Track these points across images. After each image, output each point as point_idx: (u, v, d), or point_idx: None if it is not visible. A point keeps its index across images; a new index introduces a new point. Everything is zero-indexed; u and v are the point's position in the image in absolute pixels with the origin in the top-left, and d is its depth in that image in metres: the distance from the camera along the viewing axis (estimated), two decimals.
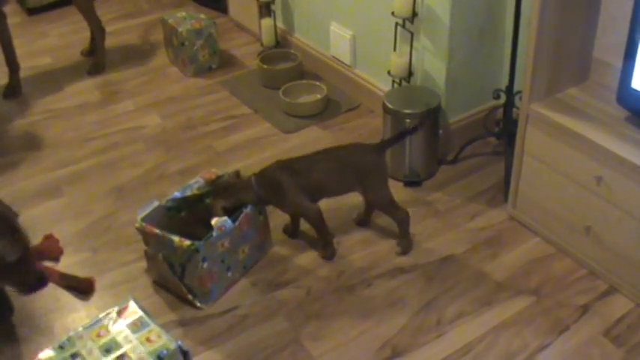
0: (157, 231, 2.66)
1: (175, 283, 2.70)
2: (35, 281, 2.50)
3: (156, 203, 2.80)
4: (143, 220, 2.72)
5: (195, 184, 2.89)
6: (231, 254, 2.73)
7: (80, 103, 3.40)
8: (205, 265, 2.63)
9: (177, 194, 2.86)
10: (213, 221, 2.65)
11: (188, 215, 2.88)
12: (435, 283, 2.76)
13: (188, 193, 2.87)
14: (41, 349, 2.29)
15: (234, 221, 2.70)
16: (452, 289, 2.73)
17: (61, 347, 2.24)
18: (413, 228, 3.00)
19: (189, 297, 2.70)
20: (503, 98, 3.26)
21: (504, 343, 2.50)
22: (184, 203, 2.88)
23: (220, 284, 2.74)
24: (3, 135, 3.87)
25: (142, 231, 2.72)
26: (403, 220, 2.89)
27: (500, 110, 3.32)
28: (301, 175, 2.78)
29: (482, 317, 2.60)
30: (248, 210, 2.76)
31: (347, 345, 2.53)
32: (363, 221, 3.08)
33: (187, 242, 2.59)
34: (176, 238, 2.61)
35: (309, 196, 2.82)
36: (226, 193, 2.75)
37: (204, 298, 2.71)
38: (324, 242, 2.92)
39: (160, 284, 2.64)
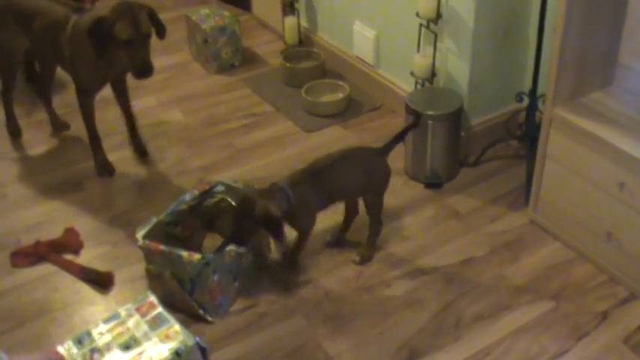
0: (163, 247, 2.62)
1: (185, 300, 2.65)
2: (142, 65, 3.00)
3: (154, 220, 2.75)
4: (145, 237, 2.68)
5: (189, 197, 2.85)
6: (237, 263, 2.71)
7: (102, 97, 3.41)
8: (216, 277, 2.62)
9: (173, 208, 2.81)
10: (229, 249, 2.65)
11: (183, 229, 2.83)
12: (455, 285, 2.75)
13: (183, 206, 2.83)
14: (60, 342, 2.31)
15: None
16: (471, 291, 2.72)
17: (80, 341, 2.24)
18: (433, 230, 3.01)
19: (200, 312, 2.66)
20: (526, 101, 3.24)
21: (523, 347, 2.49)
22: (179, 217, 2.82)
23: (229, 296, 2.73)
24: (25, 129, 3.89)
25: (145, 249, 2.68)
26: (379, 231, 2.92)
27: (523, 113, 3.30)
28: (326, 183, 2.71)
29: (501, 321, 2.60)
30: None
31: (365, 346, 2.53)
32: (339, 240, 3.01)
33: (197, 256, 2.57)
34: (185, 253, 2.58)
35: (324, 203, 2.77)
36: (265, 197, 2.60)
37: (216, 311, 2.68)
38: (292, 263, 2.88)
39: (167, 303, 2.49)
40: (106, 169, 3.51)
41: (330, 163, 2.73)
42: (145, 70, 3.03)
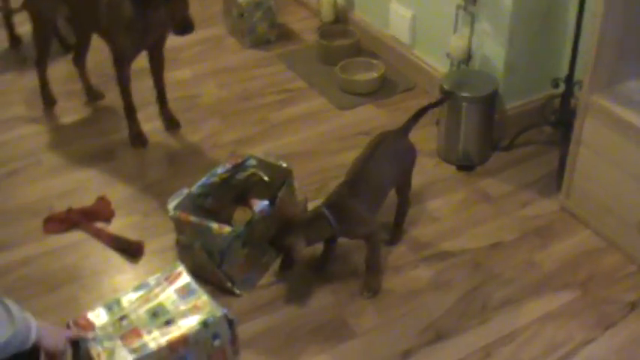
0: (193, 219, 2.63)
1: (213, 272, 2.66)
2: (182, 21, 2.95)
3: (185, 191, 2.76)
4: (176, 208, 2.69)
5: (221, 170, 2.86)
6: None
7: (138, 68, 3.42)
8: (246, 250, 2.63)
9: (204, 180, 2.82)
10: (253, 203, 2.64)
11: (214, 201, 2.83)
12: (483, 268, 2.75)
13: (215, 179, 2.83)
14: (89, 308, 2.34)
15: (272, 204, 2.69)
16: (499, 276, 2.72)
17: (110, 308, 2.27)
18: (464, 213, 3.01)
19: (228, 285, 2.67)
20: (561, 87, 3.22)
21: (549, 334, 2.48)
22: (210, 189, 2.83)
23: (257, 269, 2.74)
24: (59, 97, 3.92)
25: (176, 220, 2.69)
26: (407, 211, 2.93)
27: (558, 99, 3.27)
28: (365, 194, 2.64)
29: (527, 306, 2.59)
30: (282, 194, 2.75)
31: (391, 325, 2.54)
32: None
33: (227, 229, 2.58)
34: (215, 225, 2.58)
35: (376, 205, 2.70)
36: (302, 230, 2.54)
37: (244, 285, 2.70)
38: (375, 273, 2.71)
39: (196, 274, 2.48)
40: (139, 139, 3.53)
41: (363, 167, 2.66)
42: (185, 26, 2.98)
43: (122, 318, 2.23)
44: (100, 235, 3.00)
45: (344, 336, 2.51)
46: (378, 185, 2.70)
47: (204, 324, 2.19)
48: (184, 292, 2.31)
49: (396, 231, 2.91)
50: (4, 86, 4.12)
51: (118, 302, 2.29)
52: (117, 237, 2.97)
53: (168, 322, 2.20)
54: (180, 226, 2.70)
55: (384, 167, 2.70)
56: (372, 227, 2.65)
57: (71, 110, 3.85)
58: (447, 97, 3.03)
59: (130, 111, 3.49)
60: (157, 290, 2.33)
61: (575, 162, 2.87)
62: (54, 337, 2.02)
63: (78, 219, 3.06)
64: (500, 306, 2.59)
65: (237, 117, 3.73)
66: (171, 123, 3.65)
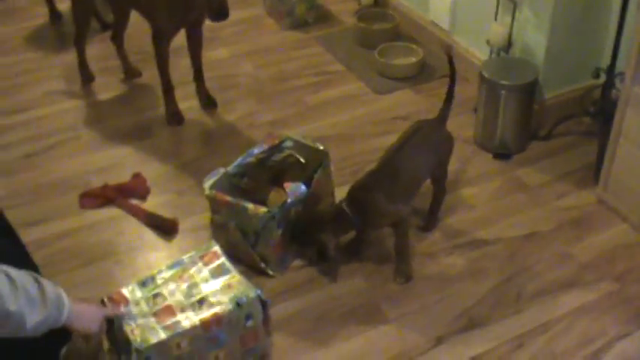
0: (229, 199, 2.63)
1: (247, 252, 2.67)
2: (218, 7, 2.93)
3: (222, 170, 2.75)
4: (211, 187, 2.69)
5: (257, 150, 2.85)
6: None
7: (175, 46, 3.43)
8: (280, 231, 2.63)
9: (240, 160, 2.82)
10: (287, 186, 2.63)
11: (249, 181, 2.83)
12: (518, 258, 2.73)
13: (251, 159, 2.83)
14: (123, 283, 2.36)
15: (308, 186, 2.68)
16: (534, 266, 2.70)
17: (144, 285, 2.28)
18: (499, 201, 2.99)
19: (262, 265, 2.68)
20: (602, 78, 3.18)
21: (583, 327, 2.46)
22: (246, 169, 2.83)
23: (291, 251, 2.74)
24: (97, 74, 3.94)
25: (212, 199, 2.69)
26: (442, 199, 2.90)
27: (599, 90, 3.24)
28: (392, 185, 2.59)
29: (562, 298, 2.57)
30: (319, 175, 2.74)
31: (423, 311, 2.54)
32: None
33: (263, 209, 2.57)
34: (250, 206, 2.58)
35: (404, 200, 2.65)
36: (327, 225, 2.58)
37: (277, 266, 2.70)
38: (406, 259, 2.69)
39: (230, 254, 2.46)
40: (175, 117, 3.54)
41: (392, 157, 2.64)
42: (220, 12, 2.97)
43: (156, 295, 2.23)
44: (135, 212, 3.02)
45: (376, 321, 2.51)
46: (411, 175, 2.66)
47: (238, 304, 2.19)
48: (219, 272, 2.31)
49: (430, 219, 2.89)
50: (44, 61, 4.16)
51: (152, 279, 2.29)
52: (152, 214, 2.99)
53: (202, 301, 2.20)
54: (215, 205, 2.70)
55: (418, 157, 2.67)
56: (397, 216, 2.60)
57: (109, 87, 3.87)
58: (450, 52, 2.80)
59: (168, 88, 3.50)
60: (191, 269, 2.33)
61: (615, 154, 2.84)
62: (87, 317, 2.02)
63: (113, 195, 3.08)
64: (534, 296, 2.58)
65: (274, 98, 3.73)
66: (207, 102, 3.66)
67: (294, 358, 2.40)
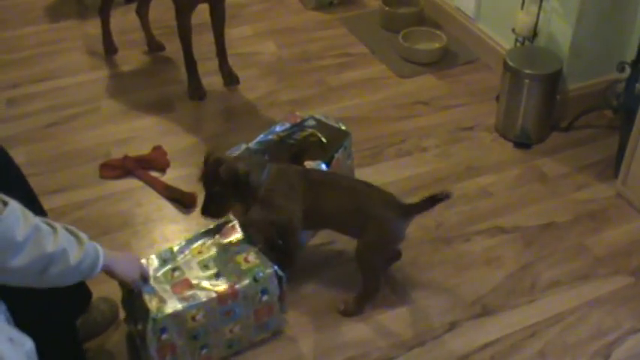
0: None
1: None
2: None
3: (244, 146, 2.74)
4: None
5: (280, 128, 2.84)
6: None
7: (198, 22, 3.43)
8: None
9: (262, 136, 2.80)
10: (307, 165, 2.62)
11: (270, 159, 2.76)
12: (534, 248, 2.73)
13: (273, 136, 2.81)
14: (140, 254, 2.37)
15: (328, 166, 2.67)
16: (550, 256, 2.70)
17: (162, 258, 2.29)
18: (518, 190, 2.99)
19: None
20: (627, 71, 3.16)
21: (596, 319, 2.46)
22: (268, 146, 2.80)
23: (309, 230, 2.72)
24: (120, 46, 3.95)
25: None
26: (368, 294, 2.48)
27: (622, 84, 3.22)
28: (315, 195, 2.38)
29: (576, 290, 2.57)
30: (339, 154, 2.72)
31: (438, 296, 2.55)
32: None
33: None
34: None
35: (307, 221, 2.43)
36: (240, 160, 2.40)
37: None
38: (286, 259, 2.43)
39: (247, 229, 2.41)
40: (198, 92, 3.55)
41: (336, 180, 2.46)
42: None
43: (174, 269, 2.24)
44: (154, 184, 3.03)
45: (390, 304, 2.52)
46: (326, 214, 2.41)
47: (255, 279, 2.21)
48: (235, 247, 2.32)
49: (352, 302, 2.50)
50: (68, 32, 4.17)
51: (170, 251, 2.31)
52: (171, 187, 3.00)
53: (218, 275, 2.22)
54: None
55: (346, 211, 2.38)
56: (290, 220, 2.37)
57: (132, 59, 3.88)
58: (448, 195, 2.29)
59: (190, 62, 3.51)
60: (209, 243, 2.34)
61: (635, 149, 2.83)
62: (126, 263, 2.04)
63: (133, 166, 3.10)
64: (549, 286, 2.58)
65: (296, 77, 3.73)
66: (230, 78, 3.66)
67: (308, 337, 2.41)
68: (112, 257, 1.92)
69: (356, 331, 2.44)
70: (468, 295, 2.54)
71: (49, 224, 1.64)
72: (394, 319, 2.47)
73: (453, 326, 2.43)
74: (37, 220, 1.59)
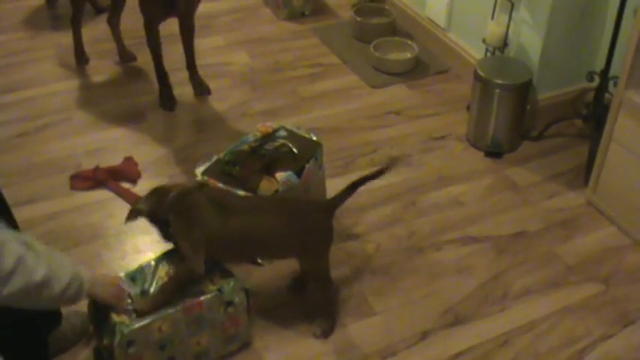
0: (221, 185, 2.61)
1: None
2: None
3: (215, 157, 2.73)
4: (204, 173, 2.66)
5: (250, 138, 2.83)
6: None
7: (169, 33, 3.43)
8: None
9: (234, 147, 2.78)
10: (278, 175, 2.62)
11: (242, 169, 2.76)
12: (506, 256, 2.74)
13: (244, 146, 2.79)
14: (110, 267, 2.36)
15: (299, 176, 2.67)
16: (521, 265, 2.71)
17: (133, 279, 2.24)
18: (489, 199, 3.00)
19: None
20: (596, 81, 3.19)
21: (568, 327, 2.48)
22: (239, 157, 2.77)
23: None
24: (92, 56, 3.93)
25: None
26: (327, 295, 2.46)
27: (592, 93, 3.25)
28: (230, 220, 2.24)
29: (548, 297, 2.58)
30: (310, 165, 2.71)
31: (411, 305, 2.54)
32: (300, 285, 2.58)
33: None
34: (241, 193, 2.55)
35: (227, 254, 2.33)
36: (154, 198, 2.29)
37: None
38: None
39: None
40: (169, 102, 3.54)
41: (249, 200, 2.42)
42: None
43: (143, 292, 2.21)
44: (125, 195, 3.01)
45: (363, 313, 2.51)
46: (255, 239, 2.28)
47: (219, 290, 2.20)
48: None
49: (324, 320, 2.46)
50: (39, 42, 4.15)
51: (141, 271, 2.27)
52: (142, 198, 2.98)
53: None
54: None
55: (278, 228, 2.28)
56: (193, 249, 2.20)
57: (103, 70, 3.86)
58: (386, 168, 2.40)
59: (161, 73, 3.50)
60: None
61: (605, 157, 2.85)
62: (110, 290, 2.07)
63: (104, 177, 3.08)
64: (521, 295, 2.59)
65: (268, 88, 3.73)
66: (201, 89, 3.66)
67: (280, 347, 2.40)
68: (96, 282, 1.92)
69: (328, 340, 2.43)
70: (440, 304, 2.55)
71: (35, 251, 1.66)
72: (367, 328, 2.46)
73: (425, 335, 2.43)
74: (22, 249, 1.61)
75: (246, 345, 2.38)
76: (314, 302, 2.48)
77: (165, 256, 2.33)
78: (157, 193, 2.29)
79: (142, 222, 2.84)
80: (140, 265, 2.31)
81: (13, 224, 2.19)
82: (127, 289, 2.19)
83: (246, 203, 2.39)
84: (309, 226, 2.30)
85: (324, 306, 2.47)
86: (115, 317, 2.10)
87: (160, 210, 2.23)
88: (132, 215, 2.26)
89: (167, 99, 3.54)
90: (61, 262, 1.79)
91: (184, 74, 3.67)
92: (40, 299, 1.68)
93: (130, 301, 2.15)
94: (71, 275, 1.77)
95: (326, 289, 2.44)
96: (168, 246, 2.32)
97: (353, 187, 2.33)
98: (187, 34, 3.53)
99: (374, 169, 2.35)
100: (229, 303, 2.24)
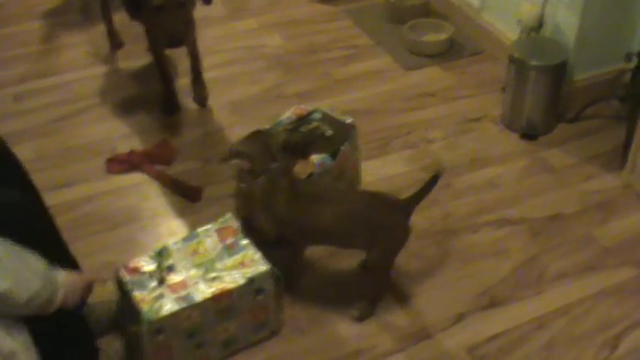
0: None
1: None
2: (171, 35, 2.95)
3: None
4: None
5: (286, 120, 2.82)
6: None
7: (204, 16, 3.43)
8: None
9: (269, 129, 2.73)
10: (313, 158, 2.61)
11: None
12: (541, 239, 2.73)
13: (279, 129, 2.76)
14: (145, 249, 2.39)
15: (334, 158, 2.66)
16: (557, 247, 2.69)
17: (158, 256, 2.27)
18: (524, 182, 2.98)
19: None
20: (634, 62, 3.14)
21: (603, 311, 2.46)
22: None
23: None
24: (127, 39, 3.95)
25: (239, 168, 2.65)
26: (379, 293, 2.48)
27: (629, 74, 3.21)
28: (299, 205, 2.31)
29: (584, 281, 2.56)
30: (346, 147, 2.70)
31: (445, 287, 2.54)
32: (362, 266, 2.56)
33: None
34: None
35: (299, 237, 2.44)
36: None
37: None
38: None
39: (249, 224, 2.46)
40: (169, 107, 3.46)
41: (335, 192, 2.44)
42: (172, 42, 2.99)
43: (170, 268, 2.22)
44: (160, 178, 3.03)
45: (397, 296, 2.51)
46: (326, 228, 2.32)
47: (250, 280, 2.20)
48: (233, 248, 2.30)
49: (366, 305, 2.47)
50: (73, 26, 4.17)
51: (166, 249, 2.29)
52: (177, 181, 3.00)
53: (214, 277, 2.20)
54: (242, 174, 2.71)
55: (348, 221, 2.30)
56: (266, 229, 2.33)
57: (137, 53, 3.87)
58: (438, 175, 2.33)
59: (167, 82, 3.43)
60: (206, 242, 2.32)
61: None
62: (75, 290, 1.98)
63: (139, 161, 3.10)
64: (556, 278, 2.57)
65: (301, 70, 3.73)
66: (199, 99, 3.47)
67: (311, 332, 2.41)
68: (69, 287, 1.88)
69: (358, 326, 2.43)
70: (476, 286, 2.54)
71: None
72: (401, 311, 2.47)
73: (460, 318, 2.43)
74: None
75: (275, 332, 2.38)
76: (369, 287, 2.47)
77: (192, 235, 2.35)
78: (258, 136, 2.32)
79: (177, 205, 2.90)
80: (165, 244, 2.32)
81: (40, 208, 2.19)
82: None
83: (320, 192, 2.39)
84: (384, 222, 2.30)
85: (374, 294, 2.47)
86: (140, 304, 2.10)
87: (263, 152, 2.27)
88: (231, 154, 2.30)
89: (168, 103, 3.46)
90: (34, 268, 1.74)
91: (216, 58, 3.66)
92: (6, 309, 1.66)
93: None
94: (42, 283, 1.74)
95: (383, 282, 2.47)
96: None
97: (430, 186, 2.30)
98: (191, 58, 3.40)
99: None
100: (259, 291, 2.24)
